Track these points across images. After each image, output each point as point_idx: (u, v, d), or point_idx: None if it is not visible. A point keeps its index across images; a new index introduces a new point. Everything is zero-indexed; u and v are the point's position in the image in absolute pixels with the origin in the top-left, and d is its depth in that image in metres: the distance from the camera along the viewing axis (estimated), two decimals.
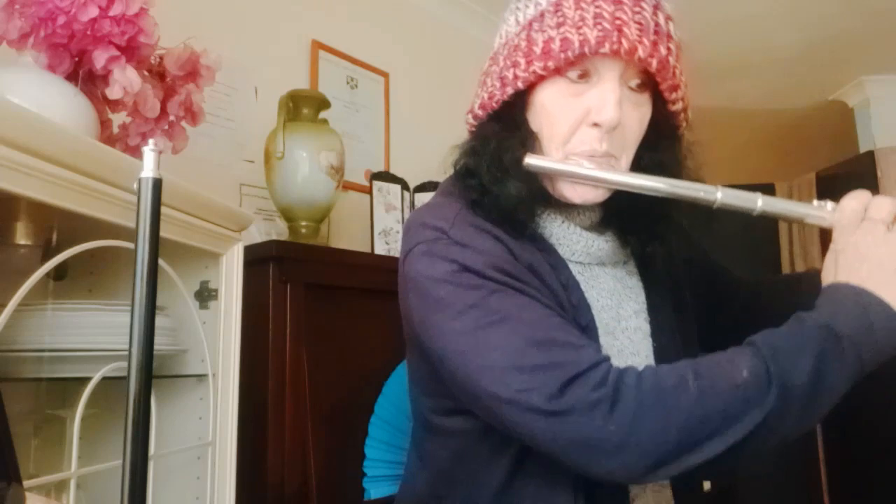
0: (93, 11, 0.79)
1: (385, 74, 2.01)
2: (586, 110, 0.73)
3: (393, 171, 1.84)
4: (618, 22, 0.70)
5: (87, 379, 0.71)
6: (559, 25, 0.72)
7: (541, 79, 0.75)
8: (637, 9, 0.71)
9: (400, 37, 2.10)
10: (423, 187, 1.74)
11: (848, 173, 3.00)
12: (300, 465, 1.12)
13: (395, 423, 1.22)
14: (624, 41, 0.69)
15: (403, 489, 0.92)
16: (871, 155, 2.85)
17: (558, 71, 0.73)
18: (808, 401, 0.63)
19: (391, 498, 1.13)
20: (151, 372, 0.47)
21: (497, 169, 0.75)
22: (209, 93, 1.16)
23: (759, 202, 0.72)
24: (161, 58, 0.95)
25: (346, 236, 1.74)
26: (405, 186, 1.72)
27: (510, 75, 0.76)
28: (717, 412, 0.61)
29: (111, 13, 0.80)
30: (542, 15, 0.74)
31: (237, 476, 0.91)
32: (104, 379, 0.72)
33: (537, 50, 0.73)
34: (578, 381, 0.63)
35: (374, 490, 1.18)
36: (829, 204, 0.72)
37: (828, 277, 0.71)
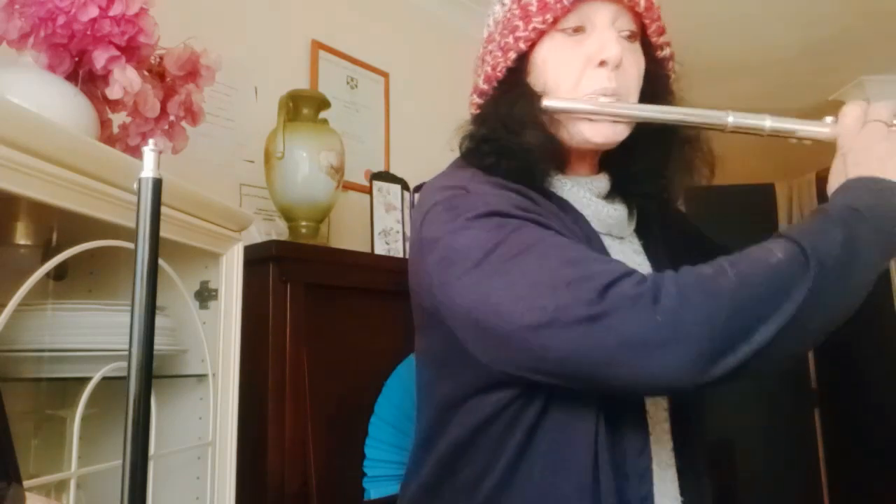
0: (93, 11, 0.79)
1: (385, 74, 2.01)
2: (588, 56, 0.78)
3: (393, 171, 1.84)
4: None
5: (87, 379, 0.71)
6: None
7: (540, 35, 0.79)
8: None
9: (400, 37, 2.10)
10: (422, 187, 1.73)
11: None
12: (300, 465, 1.12)
13: (396, 423, 1.22)
14: None
15: (405, 485, 0.89)
16: None
17: (555, 23, 0.78)
18: (846, 272, 0.63)
19: (391, 498, 1.14)
20: (151, 372, 0.47)
21: (513, 122, 0.78)
22: (209, 93, 1.16)
23: (767, 122, 0.78)
24: (161, 58, 0.95)
25: (346, 236, 1.74)
26: (405, 186, 1.72)
27: (511, 40, 0.80)
28: (760, 293, 0.62)
29: (111, 13, 0.80)
30: None
31: (237, 476, 0.91)
32: (104, 379, 0.72)
33: (533, 9, 0.78)
34: (616, 284, 0.64)
35: (374, 490, 1.18)
36: (829, 118, 0.78)
37: (836, 180, 0.74)
